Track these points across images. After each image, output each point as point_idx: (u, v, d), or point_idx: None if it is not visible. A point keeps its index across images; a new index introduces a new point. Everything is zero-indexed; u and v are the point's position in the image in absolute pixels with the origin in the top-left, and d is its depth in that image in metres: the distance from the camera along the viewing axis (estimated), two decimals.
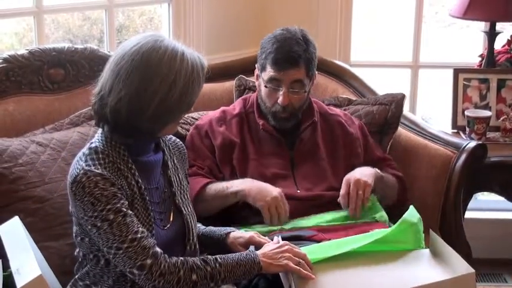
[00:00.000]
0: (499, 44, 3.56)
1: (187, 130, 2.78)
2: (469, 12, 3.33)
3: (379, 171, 2.63)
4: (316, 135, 2.71)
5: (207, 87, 3.11)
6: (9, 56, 2.65)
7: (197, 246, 2.15)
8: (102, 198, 1.90)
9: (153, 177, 2.09)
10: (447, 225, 2.79)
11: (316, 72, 2.72)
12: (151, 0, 3.73)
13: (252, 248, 2.13)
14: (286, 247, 2.05)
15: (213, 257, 1.99)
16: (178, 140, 2.26)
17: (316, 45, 2.69)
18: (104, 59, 2.83)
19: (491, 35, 3.43)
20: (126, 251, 1.89)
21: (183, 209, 2.13)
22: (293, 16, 3.69)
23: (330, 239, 2.29)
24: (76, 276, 2.08)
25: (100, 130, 2.04)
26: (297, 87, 2.61)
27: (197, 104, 2.98)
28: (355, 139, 2.75)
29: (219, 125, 2.69)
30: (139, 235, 1.91)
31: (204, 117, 2.78)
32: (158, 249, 1.93)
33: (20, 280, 1.90)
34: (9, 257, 2.01)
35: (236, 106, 2.77)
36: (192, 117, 2.87)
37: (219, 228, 2.27)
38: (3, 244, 2.07)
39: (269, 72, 2.61)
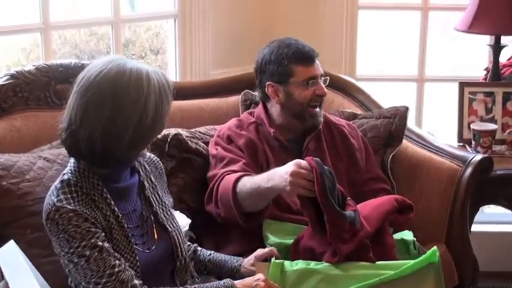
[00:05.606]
0: (504, 57, 3.56)
1: (197, 144, 2.79)
2: (474, 26, 3.34)
3: None
4: (321, 144, 2.72)
5: (213, 102, 3.14)
6: (16, 72, 2.66)
7: (187, 260, 2.15)
8: (77, 235, 1.88)
9: (130, 201, 2.07)
10: (454, 239, 2.79)
11: None
12: (157, 15, 3.74)
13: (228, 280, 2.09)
14: (262, 280, 2.05)
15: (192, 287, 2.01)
16: (153, 156, 2.24)
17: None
18: None
19: (497, 48, 3.43)
20: (104, 285, 1.89)
21: (167, 226, 2.11)
22: (298, 31, 3.68)
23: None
24: None
25: (72, 160, 2.01)
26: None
27: (203, 119, 3.04)
28: (357, 151, 2.76)
29: (238, 129, 2.71)
30: (116, 269, 1.90)
31: (221, 127, 2.77)
32: (137, 282, 1.93)
33: None
34: (9, 282, 2.00)
35: (248, 116, 2.79)
36: (200, 132, 2.88)
37: (229, 257, 2.29)
38: (1, 270, 2.06)
39: (302, 72, 2.64)
